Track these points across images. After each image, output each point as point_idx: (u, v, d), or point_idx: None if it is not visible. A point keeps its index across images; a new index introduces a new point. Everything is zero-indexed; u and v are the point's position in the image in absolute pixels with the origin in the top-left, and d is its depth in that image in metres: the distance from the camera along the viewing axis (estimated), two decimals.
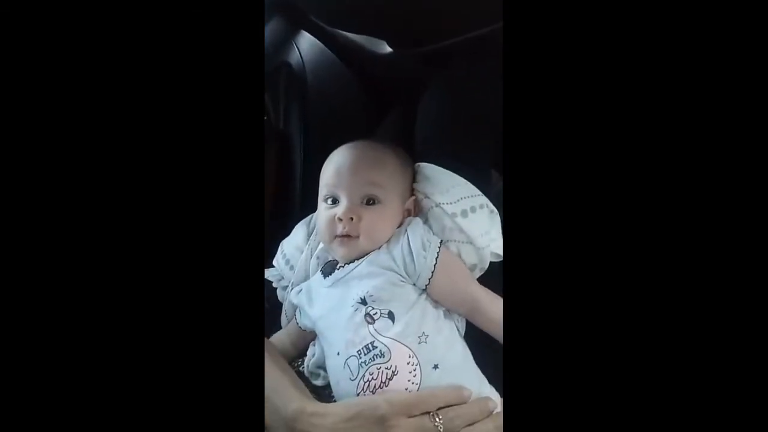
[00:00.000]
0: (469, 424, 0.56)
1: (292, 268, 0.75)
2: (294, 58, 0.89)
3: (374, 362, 0.59)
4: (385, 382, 0.58)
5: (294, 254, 0.76)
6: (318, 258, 0.73)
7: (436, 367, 0.59)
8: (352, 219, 0.65)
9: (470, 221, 0.66)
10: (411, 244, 0.65)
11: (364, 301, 0.62)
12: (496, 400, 0.60)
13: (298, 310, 0.70)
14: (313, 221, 0.78)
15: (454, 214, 0.66)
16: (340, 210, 0.66)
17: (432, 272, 0.63)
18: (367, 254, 0.66)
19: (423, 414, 0.55)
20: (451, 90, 0.74)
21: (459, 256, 0.66)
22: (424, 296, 0.64)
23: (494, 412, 0.58)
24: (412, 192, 0.71)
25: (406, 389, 0.58)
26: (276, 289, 0.77)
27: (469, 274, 0.66)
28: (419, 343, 0.60)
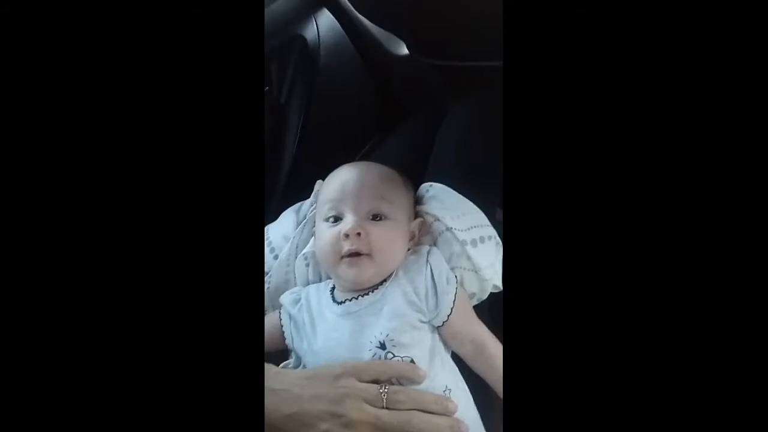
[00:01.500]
0: (419, 411, 0.55)
1: (276, 257, 0.70)
2: (311, 33, 0.83)
3: None
4: None
5: (281, 243, 0.71)
6: (306, 259, 0.68)
7: None
8: (359, 234, 0.60)
9: (479, 251, 0.65)
10: (435, 278, 0.61)
11: (383, 346, 0.58)
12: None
13: (291, 324, 0.64)
14: (303, 210, 0.73)
15: (464, 242, 0.64)
16: (345, 225, 0.61)
17: (451, 309, 0.60)
18: (381, 280, 0.62)
19: (373, 381, 0.55)
20: (474, 115, 0.74)
21: (462, 284, 0.64)
22: (437, 337, 0.61)
23: (451, 413, 0.56)
24: (416, 215, 0.68)
25: None
26: None
27: (475, 314, 0.64)
28: None
